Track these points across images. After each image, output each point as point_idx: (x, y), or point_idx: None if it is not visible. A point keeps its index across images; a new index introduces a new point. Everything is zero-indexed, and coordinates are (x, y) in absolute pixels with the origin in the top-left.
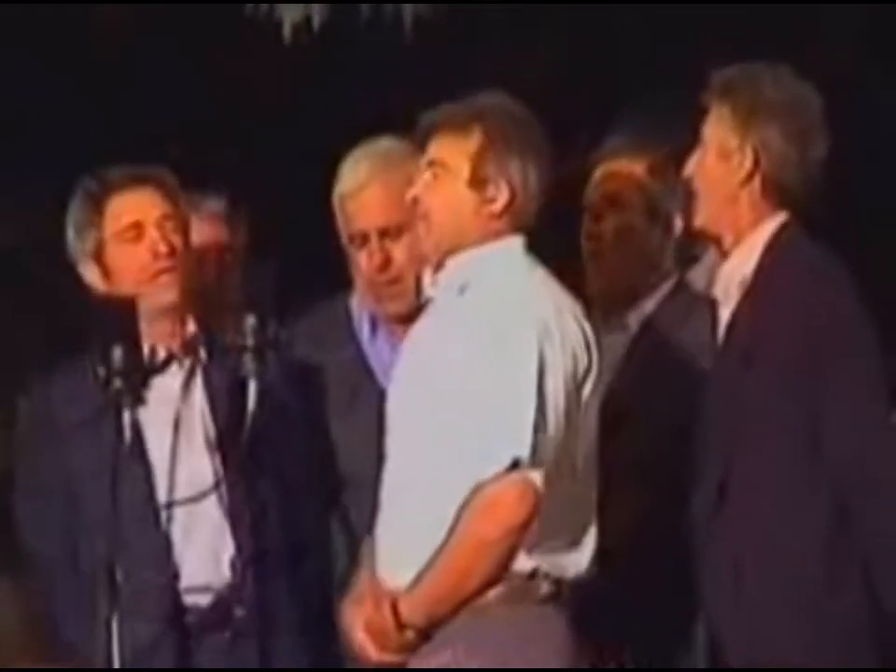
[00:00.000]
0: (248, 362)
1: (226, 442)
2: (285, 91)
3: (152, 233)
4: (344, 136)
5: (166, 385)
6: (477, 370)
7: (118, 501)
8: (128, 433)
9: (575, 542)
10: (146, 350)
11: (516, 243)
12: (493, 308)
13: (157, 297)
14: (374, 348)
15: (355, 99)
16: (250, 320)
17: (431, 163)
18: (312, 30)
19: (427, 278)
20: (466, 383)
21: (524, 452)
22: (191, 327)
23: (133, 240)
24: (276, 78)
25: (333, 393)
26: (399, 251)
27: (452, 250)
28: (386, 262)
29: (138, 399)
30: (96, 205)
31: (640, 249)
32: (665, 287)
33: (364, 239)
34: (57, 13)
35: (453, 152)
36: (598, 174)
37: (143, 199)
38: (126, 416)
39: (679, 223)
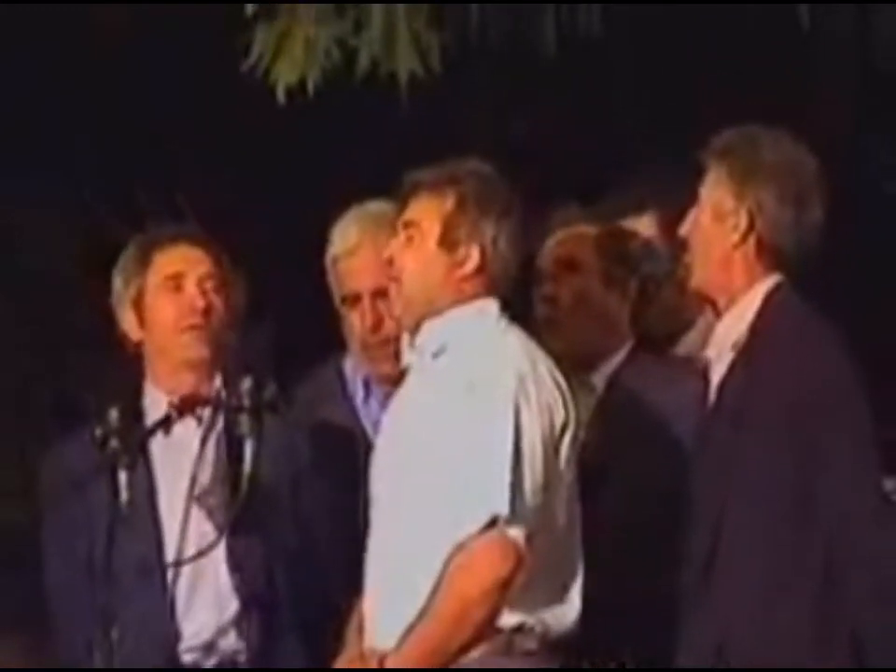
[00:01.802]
0: (244, 423)
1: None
2: (279, 153)
3: (191, 288)
4: (338, 199)
5: (186, 439)
6: (453, 430)
7: (114, 560)
8: (124, 493)
9: (561, 597)
10: (165, 403)
11: (490, 304)
12: (467, 369)
13: (186, 351)
14: (368, 410)
15: (349, 161)
16: (246, 382)
17: (406, 224)
18: (306, 91)
19: (404, 344)
20: (443, 444)
21: (502, 509)
22: (217, 382)
23: (173, 290)
24: (271, 141)
25: (328, 455)
26: (390, 312)
27: (425, 313)
28: (379, 323)
29: (135, 459)
30: (144, 255)
31: (597, 313)
32: (623, 351)
33: (356, 300)
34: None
35: (427, 213)
36: (553, 237)
37: (189, 254)
38: (122, 476)
39: (633, 288)
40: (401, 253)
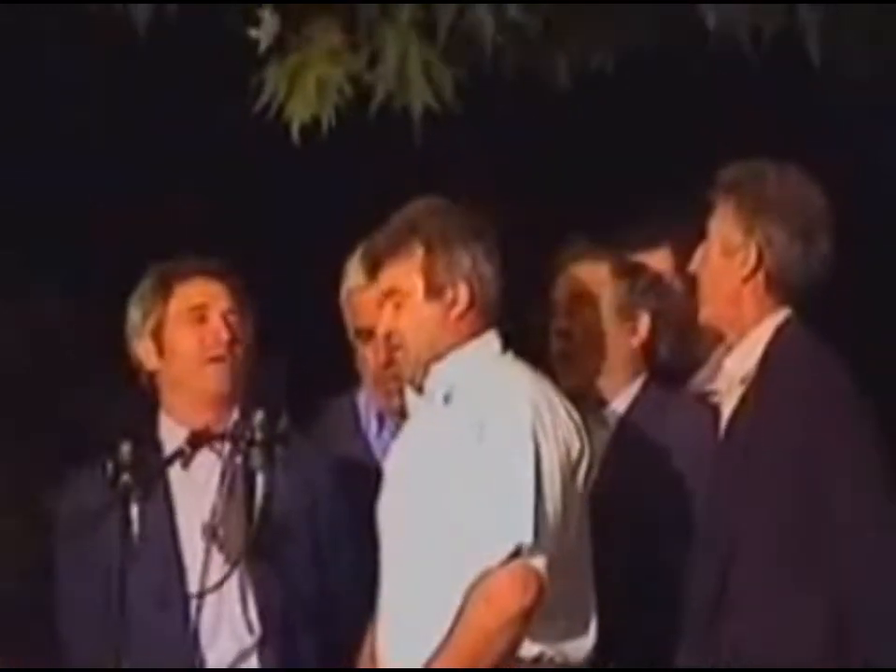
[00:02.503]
0: (256, 456)
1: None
2: (294, 188)
3: (216, 319)
4: (353, 233)
5: (205, 472)
6: (471, 466)
7: (129, 593)
8: (136, 527)
9: (578, 628)
10: (182, 434)
11: (490, 338)
12: (480, 405)
13: (209, 383)
14: (381, 443)
15: (363, 195)
16: (259, 415)
17: (388, 294)
18: (321, 129)
19: (407, 392)
20: (455, 481)
21: (526, 539)
22: (235, 414)
23: (197, 321)
24: (285, 176)
25: (343, 487)
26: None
27: (433, 361)
28: (392, 358)
29: (148, 493)
30: (166, 286)
31: (610, 347)
32: (637, 385)
33: (370, 335)
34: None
35: (402, 275)
36: (565, 272)
37: (213, 288)
38: (134, 509)
39: (645, 322)
40: (395, 322)
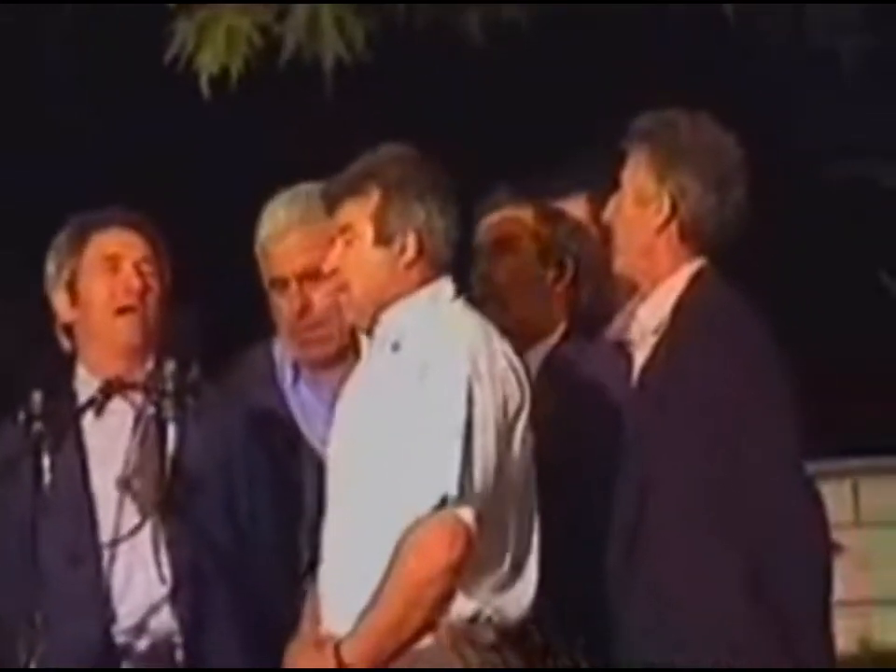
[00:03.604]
0: (168, 407)
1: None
2: (206, 141)
3: (127, 269)
4: (267, 183)
5: (119, 423)
6: (407, 413)
7: (40, 544)
8: (47, 476)
9: (514, 583)
10: (95, 384)
11: (443, 285)
12: (421, 353)
13: (119, 335)
14: (296, 394)
15: (276, 146)
16: (170, 365)
17: (340, 231)
18: (229, 81)
19: (362, 338)
20: (398, 427)
21: (451, 489)
22: (150, 364)
23: (108, 271)
24: (196, 130)
25: (258, 439)
26: (319, 296)
27: (377, 310)
28: (307, 307)
29: (60, 443)
30: (81, 237)
31: (533, 293)
32: (556, 335)
33: (284, 284)
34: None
35: (356, 215)
36: (488, 219)
37: (127, 238)
38: (46, 460)
39: (570, 269)
40: (342, 260)
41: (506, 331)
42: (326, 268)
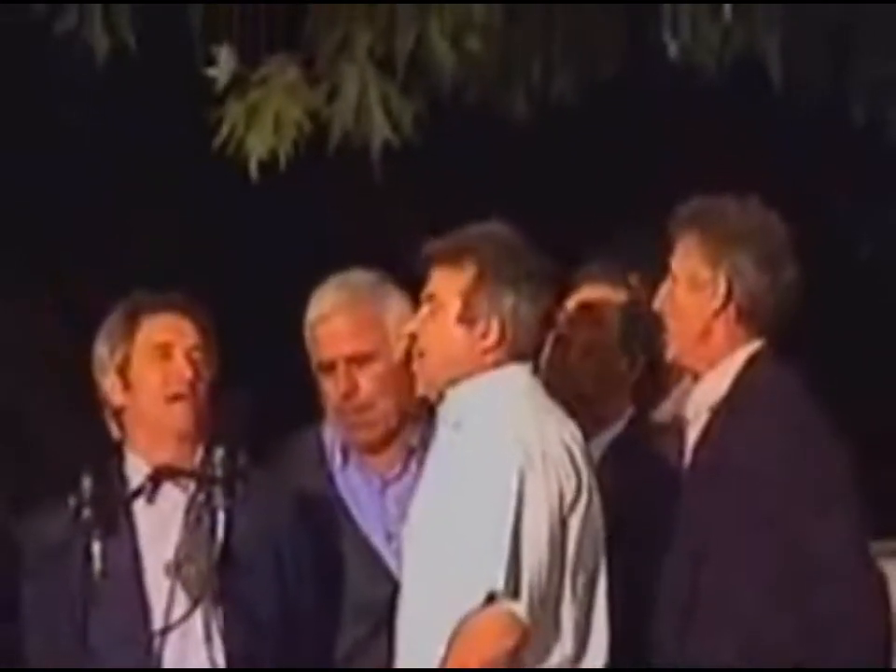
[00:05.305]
0: (217, 494)
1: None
2: (255, 223)
3: (179, 357)
4: (316, 266)
5: (171, 509)
6: (462, 505)
7: (91, 632)
8: (98, 564)
9: (582, 655)
10: (146, 470)
11: (514, 371)
12: (479, 442)
13: (173, 421)
14: (345, 477)
15: (326, 228)
16: (219, 452)
17: (427, 298)
18: (278, 165)
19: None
20: (455, 519)
21: (498, 585)
22: (200, 451)
23: (160, 358)
24: (250, 211)
25: (307, 523)
26: (366, 379)
27: (446, 385)
28: (353, 390)
29: (110, 530)
30: (133, 321)
31: (608, 376)
32: (625, 418)
33: (332, 367)
34: None
35: (445, 287)
36: (581, 291)
37: (178, 324)
38: (96, 545)
39: (642, 360)
40: (423, 328)
41: (573, 412)
42: (407, 329)
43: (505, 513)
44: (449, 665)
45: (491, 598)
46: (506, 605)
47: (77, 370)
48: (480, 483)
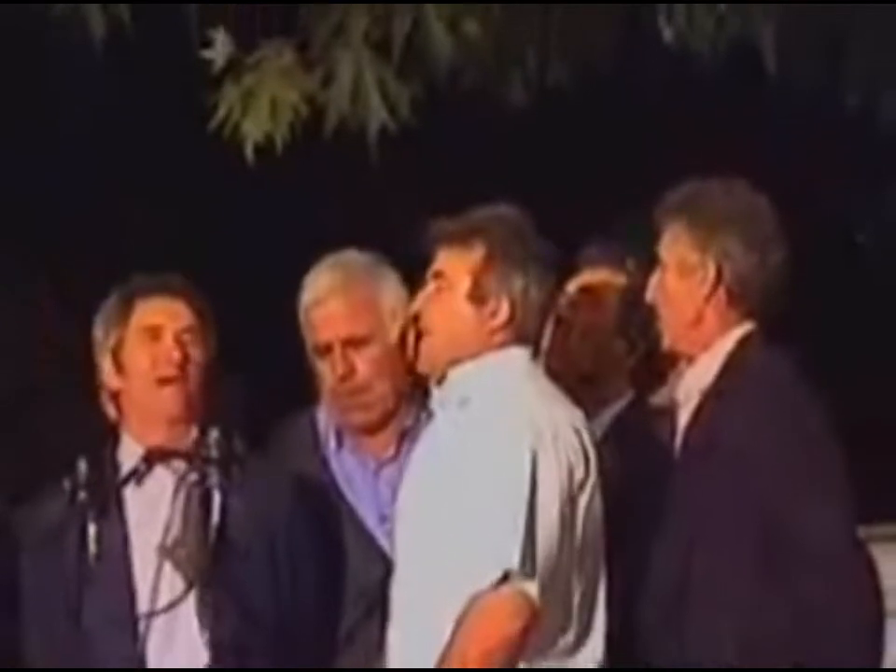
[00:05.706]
0: (212, 475)
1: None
2: (250, 207)
3: (168, 339)
4: (312, 249)
5: (161, 492)
6: (471, 484)
7: (85, 613)
8: (93, 547)
9: (585, 639)
10: (139, 452)
11: (519, 353)
12: (488, 422)
13: (162, 404)
14: (340, 461)
15: (321, 212)
16: (214, 433)
17: (435, 275)
18: (275, 148)
19: (433, 391)
20: (462, 496)
21: (513, 564)
22: (193, 433)
23: (150, 340)
24: (244, 194)
25: (301, 506)
26: (362, 361)
27: (450, 364)
28: (350, 372)
29: (105, 512)
30: (127, 304)
31: (606, 357)
32: (625, 399)
33: (327, 349)
34: None
35: (455, 266)
36: (582, 275)
37: (171, 307)
38: (91, 528)
39: (641, 347)
40: (429, 306)
41: (574, 393)
42: (412, 309)
43: (519, 493)
44: (460, 645)
45: (504, 578)
46: (518, 584)
47: (75, 357)
48: (491, 462)
